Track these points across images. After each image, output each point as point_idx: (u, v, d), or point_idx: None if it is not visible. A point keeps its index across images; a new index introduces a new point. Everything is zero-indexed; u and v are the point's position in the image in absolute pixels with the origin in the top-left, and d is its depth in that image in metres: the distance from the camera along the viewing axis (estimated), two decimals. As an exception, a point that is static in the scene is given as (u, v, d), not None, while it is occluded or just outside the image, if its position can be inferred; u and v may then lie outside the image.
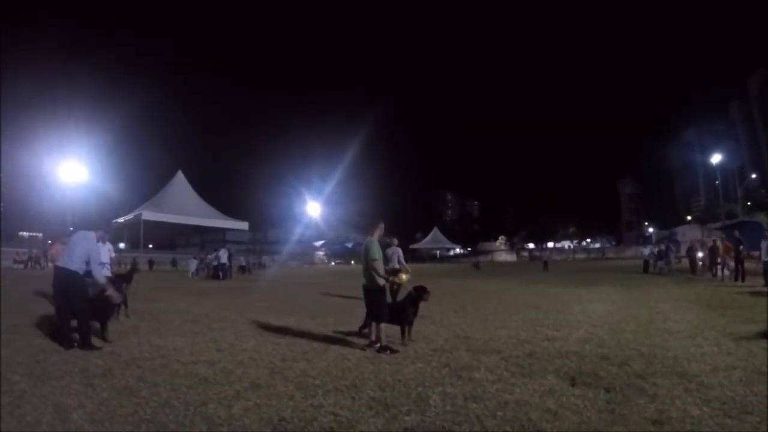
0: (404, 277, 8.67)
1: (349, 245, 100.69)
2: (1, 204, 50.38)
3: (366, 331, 7.83)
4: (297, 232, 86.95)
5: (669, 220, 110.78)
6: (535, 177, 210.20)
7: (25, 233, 64.64)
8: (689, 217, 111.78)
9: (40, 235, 63.46)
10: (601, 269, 36.92)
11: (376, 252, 7.25)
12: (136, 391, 5.00)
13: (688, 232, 71.18)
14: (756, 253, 18.83)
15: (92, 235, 7.72)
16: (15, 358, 6.37)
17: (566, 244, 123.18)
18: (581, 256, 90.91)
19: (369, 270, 7.17)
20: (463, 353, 6.77)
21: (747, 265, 19.43)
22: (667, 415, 4.10)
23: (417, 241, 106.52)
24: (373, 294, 7.20)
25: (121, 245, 56.33)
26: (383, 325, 7.08)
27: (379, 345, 6.96)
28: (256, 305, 13.70)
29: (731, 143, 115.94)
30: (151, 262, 46.81)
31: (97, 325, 7.81)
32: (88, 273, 7.59)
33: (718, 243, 22.02)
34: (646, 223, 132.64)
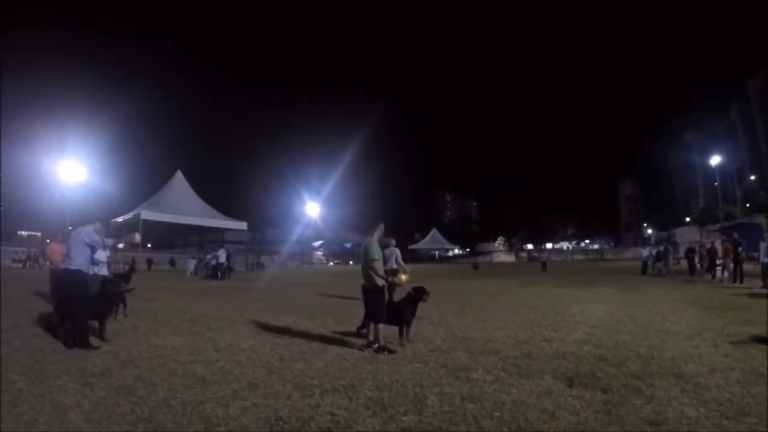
0: (403, 277, 8.66)
1: (348, 246, 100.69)
2: (1, 203, 50.35)
3: (364, 331, 7.84)
4: (296, 233, 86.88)
5: (668, 222, 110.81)
6: (534, 178, 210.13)
7: (23, 232, 64.68)
8: (688, 219, 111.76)
9: (39, 234, 63.51)
10: (599, 270, 36.92)
11: (376, 252, 7.25)
12: (134, 390, 5.01)
13: (686, 234, 71.15)
14: (755, 255, 18.86)
15: (87, 228, 7.69)
16: (13, 357, 6.38)
17: (565, 245, 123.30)
18: (580, 257, 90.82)
19: (368, 270, 7.18)
20: (461, 354, 6.77)
21: (745, 266, 19.44)
22: (663, 416, 4.11)
23: (416, 241, 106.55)
24: (372, 294, 7.20)
25: (120, 245, 56.28)
26: (381, 326, 7.08)
27: (377, 345, 6.96)
28: (255, 305, 13.71)
29: (731, 144, 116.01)
30: (149, 262, 46.81)
31: (96, 324, 7.82)
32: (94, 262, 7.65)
33: (717, 245, 22.04)
34: (645, 225, 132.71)
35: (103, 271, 9.69)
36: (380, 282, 7.23)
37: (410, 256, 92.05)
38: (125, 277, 12.20)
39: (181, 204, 56.02)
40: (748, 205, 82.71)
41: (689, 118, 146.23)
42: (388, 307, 7.43)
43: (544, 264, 41.17)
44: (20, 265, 41.74)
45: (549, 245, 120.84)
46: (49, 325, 8.62)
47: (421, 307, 8.12)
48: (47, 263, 14.03)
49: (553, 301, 13.79)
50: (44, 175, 52.93)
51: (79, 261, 7.39)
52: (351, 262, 79.63)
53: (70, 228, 41.08)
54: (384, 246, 8.85)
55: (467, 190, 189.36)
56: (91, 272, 7.82)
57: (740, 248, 19.30)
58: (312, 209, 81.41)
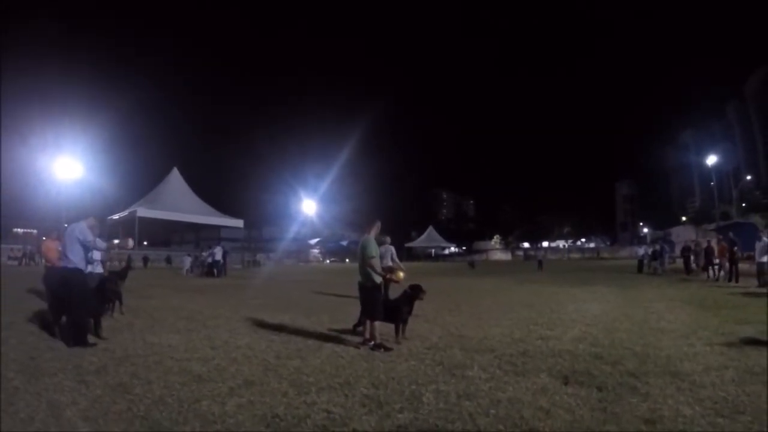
0: (401, 274, 8.67)
1: (344, 243, 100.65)
2: (1, 200, 50.22)
3: (360, 329, 7.86)
4: (292, 230, 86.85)
5: (664, 221, 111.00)
6: (531, 176, 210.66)
7: (19, 229, 64.43)
8: (684, 218, 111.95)
9: (35, 231, 63.27)
10: (595, 269, 36.98)
11: (373, 249, 7.27)
12: (130, 388, 5.00)
13: (682, 233, 71.28)
14: (751, 254, 18.91)
15: (81, 224, 7.65)
16: (9, 355, 6.36)
17: (561, 243, 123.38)
18: (576, 255, 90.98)
19: (366, 267, 7.19)
20: (456, 351, 6.78)
21: (741, 266, 19.49)
22: (659, 414, 4.12)
23: (412, 239, 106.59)
24: (368, 291, 7.21)
25: (116, 242, 56.23)
26: (377, 323, 7.09)
27: (373, 343, 6.97)
28: (251, 303, 13.71)
29: (727, 144, 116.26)
30: (145, 259, 46.74)
31: (91, 321, 7.80)
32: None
33: (713, 244, 22.10)
34: (641, 224, 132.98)
35: (98, 269, 9.69)
36: (378, 279, 7.25)
37: (407, 254, 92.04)
38: (121, 274, 12.17)
39: (178, 201, 55.97)
40: (744, 204, 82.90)
41: (686, 118, 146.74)
42: (384, 305, 7.44)
43: (540, 262, 41.31)
44: (16, 263, 41.63)
45: (545, 244, 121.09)
46: (45, 323, 8.60)
47: (417, 304, 8.12)
48: (43, 261, 13.99)
49: (549, 300, 13.82)
50: (40, 172, 52.79)
51: (75, 259, 7.37)
52: (347, 260, 79.53)
53: (65, 225, 41.02)
54: (379, 243, 8.86)
55: (464, 189, 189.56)
56: (87, 270, 7.80)
57: (736, 248, 19.37)
58: (308, 207, 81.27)
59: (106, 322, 8.53)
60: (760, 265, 16.64)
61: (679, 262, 29.36)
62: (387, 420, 4.08)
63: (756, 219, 58.08)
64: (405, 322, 7.74)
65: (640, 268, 29.07)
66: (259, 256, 65.54)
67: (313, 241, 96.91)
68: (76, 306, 7.29)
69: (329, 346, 7.20)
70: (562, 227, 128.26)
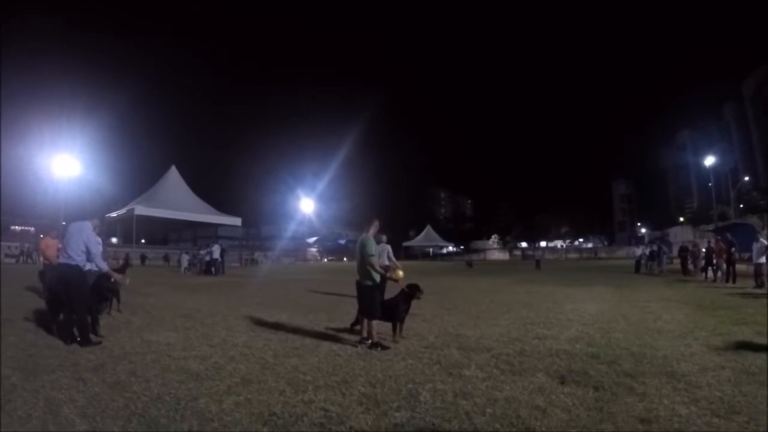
0: (401, 273, 8.67)
1: (342, 242, 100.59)
2: (1, 198, 50.03)
3: (357, 327, 7.87)
4: (290, 229, 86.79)
5: (661, 221, 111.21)
6: (529, 176, 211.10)
7: (16, 227, 64.32)
8: (682, 219, 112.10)
9: (32, 229, 63.17)
10: (593, 269, 37.04)
11: (373, 248, 7.28)
12: (128, 385, 5.01)
13: (680, 234, 71.46)
14: (749, 255, 18.95)
15: (87, 225, 7.71)
16: (7, 353, 6.37)
17: (559, 243, 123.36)
18: (574, 255, 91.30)
19: (365, 266, 7.20)
20: (453, 351, 6.79)
21: (738, 266, 19.53)
22: (655, 414, 4.13)
23: (410, 238, 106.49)
24: (367, 290, 7.22)
25: (114, 240, 56.19)
26: (375, 322, 7.10)
27: (370, 342, 6.98)
28: (249, 301, 13.71)
29: (725, 145, 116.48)
30: (143, 257, 46.71)
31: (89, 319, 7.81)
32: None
33: (712, 244, 22.12)
34: (639, 224, 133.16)
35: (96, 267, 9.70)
36: (377, 278, 7.26)
37: (404, 253, 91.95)
38: (120, 272, 12.17)
39: (176, 199, 55.79)
40: (741, 205, 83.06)
41: (683, 119, 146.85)
42: (381, 304, 7.44)
43: (537, 262, 41.40)
44: (13, 261, 41.56)
45: (543, 243, 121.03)
46: (42, 320, 8.61)
47: (414, 304, 8.12)
48: (40, 258, 13.97)
49: (546, 299, 13.84)
50: (37, 169, 52.67)
51: (76, 256, 7.39)
52: (345, 259, 79.46)
53: (63, 223, 40.99)
54: (376, 242, 8.87)
55: (462, 188, 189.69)
56: (86, 267, 7.82)
57: (733, 248, 19.40)
58: (306, 205, 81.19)
59: (103, 320, 8.55)
60: (758, 266, 16.72)
61: (677, 263, 29.40)
62: (384, 418, 4.09)
63: (753, 220, 58.22)
64: (402, 321, 7.74)
65: (637, 269, 29.13)
66: (257, 255, 65.50)
67: (311, 240, 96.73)
68: (78, 304, 7.30)
69: (327, 345, 7.21)
70: (560, 227, 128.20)
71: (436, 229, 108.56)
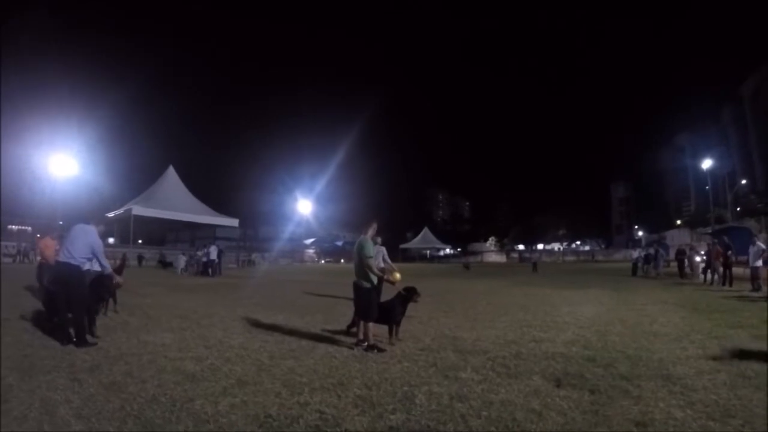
0: (398, 275, 8.67)
1: (340, 244, 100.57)
2: (1, 198, 49.86)
3: (354, 329, 7.88)
4: (287, 230, 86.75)
5: (659, 224, 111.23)
6: (526, 178, 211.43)
7: (13, 227, 64.17)
8: (679, 221, 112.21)
9: (29, 228, 63.06)
10: (589, 271, 37.07)
11: (370, 249, 7.29)
12: (123, 386, 5.01)
13: (677, 236, 71.44)
14: (744, 258, 18.99)
15: (92, 229, 7.74)
16: (3, 353, 6.35)
17: (556, 246, 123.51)
18: (571, 258, 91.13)
19: (362, 267, 7.20)
20: (450, 353, 6.80)
21: (734, 270, 19.55)
22: (650, 417, 4.14)
23: (407, 240, 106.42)
24: (364, 292, 7.21)
25: (111, 240, 56.09)
26: (371, 324, 7.11)
27: (366, 344, 6.98)
28: (245, 302, 13.69)
29: (722, 148, 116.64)
30: (140, 258, 46.63)
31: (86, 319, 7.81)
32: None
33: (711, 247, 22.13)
34: (636, 227, 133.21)
35: (96, 267, 9.70)
36: (374, 279, 7.26)
37: (401, 255, 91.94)
38: (116, 272, 12.16)
39: (173, 200, 55.60)
40: (738, 209, 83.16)
41: (681, 121, 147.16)
42: (378, 306, 7.45)
43: (535, 264, 41.45)
44: (10, 260, 41.44)
45: (540, 246, 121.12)
46: (39, 320, 8.60)
47: (411, 306, 8.14)
48: (38, 258, 13.95)
49: (542, 302, 13.84)
50: (34, 169, 52.60)
51: (80, 257, 7.41)
52: (342, 260, 79.47)
53: (60, 222, 40.89)
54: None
55: (460, 190, 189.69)
56: (85, 267, 7.83)
57: (730, 251, 19.42)
58: (304, 207, 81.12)
59: (99, 321, 8.55)
60: (754, 269, 16.75)
61: (674, 266, 29.41)
62: (379, 421, 4.09)
63: (751, 223, 58.31)
64: (398, 323, 7.76)
65: (634, 271, 29.13)
66: (254, 256, 65.48)
67: (309, 241, 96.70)
68: (76, 304, 7.31)
69: (323, 347, 7.21)
70: (557, 229, 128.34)
71: (433, 231, 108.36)
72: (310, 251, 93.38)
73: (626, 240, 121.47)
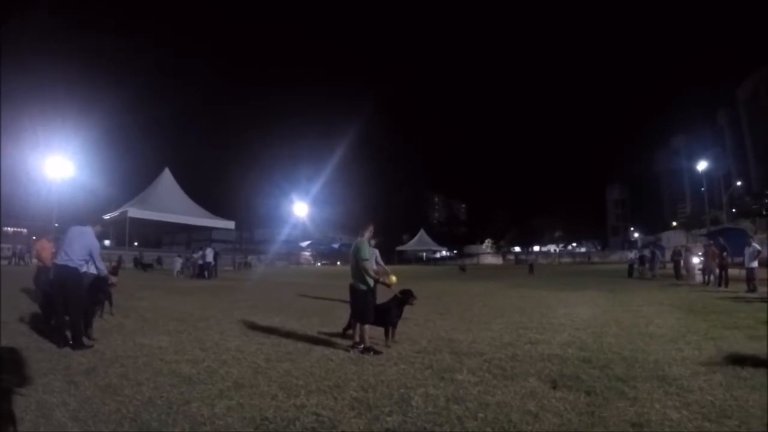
0: (393, 278, 8.69)
1: (336, 246, 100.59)
2: (1, 200, 49.67)
3: (350, 332, 7.88)
4: (283, 232, 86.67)
5: (654, 226, 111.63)
6: (522, 180, 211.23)
7: (9, 228, 64.00)
8: (675, 223, 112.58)
9: (25, 231, 62.92)
10: (586, 273, 37.10)
11: (366, 252, 7.31)
12: (120, 389, 5.01)
13: (673, 238, 71.60)
14: (739, 260, 19.04)
15: (89, 230, 7.74)
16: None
17: (552, 247, 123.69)
18: (567, 260, 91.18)
19: (359, 270, 7.21)
20: (446, 355, 6.81)
21: (730, 271, 19.59)
22: (646, 418, 4.15)
23: (403, 242, 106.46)
24: (361, 294, 7.22)
25: (107, 242, 55.99)
26: (368, 327, 7.11)
27: (362, 346, 6.99)
28: (241, 305, 13.68)
29: (718, 150, 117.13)
30: (136, 260, 46.57)
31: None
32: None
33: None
34: (632, 228, 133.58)
35: (92, 270, 9.69)
36: (371, 282, 7.26)
37: (398, 257, 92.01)
38: (112, 274, 12.14)
39: (169, 202, 55.57)
40: (734, 210, 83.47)
41: (677, 124, 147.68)
42: (374, 308, 7.45)
43: (531, 266, 41.42)
44: (5, 263, 41.31)
45: (536, 248, 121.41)
46: (35, 323, 8.58)
47: (407, 308, 8.14)
48: (33, 260, 13.93)
49: (538, 304, 13.85)
50: (31, 171, 52.47)
51: (78, 259, 7.41)
52: (338, 263, 79.40)
53: (56, 225, 40.80)
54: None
55: (456, 192, 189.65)
56: (83, 269, 7.83)
57: (725, 253, 19.47)
58: (300, 209, 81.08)
59: (96, 323, 8.53)
60: (750, 270, 16.80)
61: (670, 267, 29.45)
62: (376, 423, 4.10)
63: (746, 224, 58.52)
64: (394, 325, 7.76)
65: (630, 273, 29.17)
66: (251, 258, 65.36)
67: (305, 244, 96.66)
68: (74, 306, 7.31)
69: (319, 349, 7.21)
70: (554, 231, 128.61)
71: (429, 233, 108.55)
72: (306, 254, 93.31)
73: (622, 241, 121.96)
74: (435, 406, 4.51)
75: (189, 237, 74.89)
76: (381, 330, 7.58)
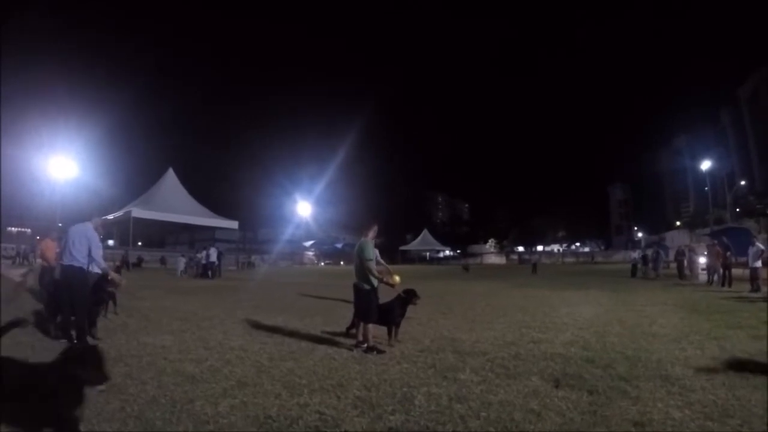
0: (397, 278, 8.69)
1: (339, 246, 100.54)
2: (0, 200, 49.76)
3: (353, 331, 7.89)
4: (287, 232, 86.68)
5: (658, 225, 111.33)
6: (526, 180, 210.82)
7: (13, 229, 64.15)
8: (678, 223, 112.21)
9: (29, 231, 63.08)
10: (589, 273, 37.02)
11: (371, 252, 7.31)
12: (124, 388, 5.02)
13: (676, 238, 71.47)
14: (743, 259, 19.01)
15: (89, 225, 7.75)
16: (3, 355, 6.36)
17: (555, 247, 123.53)
18: (570, 259, 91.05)
19: (363, 269, 7.22)
20: (449, 354, 6.81)
21: (734, 271, 19.54)
22: (648, 417, 4.15)
23: (407, 242, 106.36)
24: (364, 293, 7.24)
25: (111, 242, 56.10)
26: (371, 326, 7.12)
27: (366, 345, 7.00)
28: (245, 304, 13.69)
29: (721, 150, 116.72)
30: (140, 260, 46.62)
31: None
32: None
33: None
34: (635, 228, 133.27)
35: (96, 269, 9.71)
36: (374, 282, 7.27)
37: (401, 257, 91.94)
38: (116, 272, 12.17)
39: (173, 202, 55.56)
40: (737, 209, 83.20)
41: (680, 123, 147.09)
42: (377, 308, 7.46)
43: (534, 266, 41.26)
44: (9, 262, 41.39)
45: (540, 247, 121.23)
46: (39, 322, 8.60)
47: (410, 307, 8.14)
48: (38, 260, 13.94)
49: (541, 303, 13.84)
50: (34, 171, 52.54)
51: (82, 258, 7.42)
52: (342, 263, 79.36)
53: (60, 225, 40.86)
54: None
55: (459, 192, 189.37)
56: (87, 268, 7.85)
57: (729, 252, 19.43)
58: (303, 209, 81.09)
59: (99, 323, 8.55)
60: (753, 270, 16.76)
61: (673, 267, 29.38)
62: (379, 422, 4.11)
63: (750, 224, 58.31)
64: (398, 325, 7.78)
65: (633, 273, 29.10)
66: (254, 258, 65.48)
67: (308, 244, 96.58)
68: (79, 306, 7.33)
69: (322, 349, 7.22)
70: (557, 231, 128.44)
71: (432, 233, 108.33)
72: (310, 253, 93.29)
73: (626, 241, 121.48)
74: (438, 405, 4.52)
75: (192, 237, 75.00)
76: (384, 329, 7.59)
